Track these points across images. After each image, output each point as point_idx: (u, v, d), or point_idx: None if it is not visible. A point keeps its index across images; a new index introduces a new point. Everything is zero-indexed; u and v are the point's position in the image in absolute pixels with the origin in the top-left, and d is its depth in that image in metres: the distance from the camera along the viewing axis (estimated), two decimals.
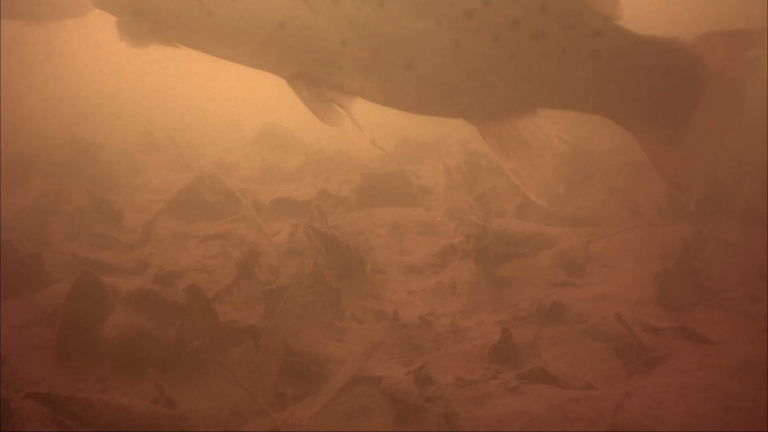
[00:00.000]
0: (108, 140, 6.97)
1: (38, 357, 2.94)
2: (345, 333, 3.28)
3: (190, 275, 3.91)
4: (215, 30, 2.57)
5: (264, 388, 2.76)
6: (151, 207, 5.22)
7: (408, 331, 3.27)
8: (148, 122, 8.55)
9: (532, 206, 5.03)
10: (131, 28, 2.68)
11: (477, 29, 2.33)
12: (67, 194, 5.32)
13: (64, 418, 2.34)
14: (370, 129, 7.32)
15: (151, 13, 2.64)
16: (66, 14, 6.11)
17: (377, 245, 4.35)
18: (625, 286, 3.72)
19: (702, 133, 2.58)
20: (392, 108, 2.58)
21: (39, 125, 7.51)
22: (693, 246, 3.85)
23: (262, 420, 2.59)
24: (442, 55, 2.37)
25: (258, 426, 2.56)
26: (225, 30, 2.55)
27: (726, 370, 2.81)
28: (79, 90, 8.81)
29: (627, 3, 2.45)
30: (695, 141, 2.59)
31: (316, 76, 2.56)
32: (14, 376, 2.75)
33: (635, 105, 2.55)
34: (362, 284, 3.68)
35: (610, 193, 5.16)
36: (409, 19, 2.34)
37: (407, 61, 2.41)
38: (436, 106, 2.57)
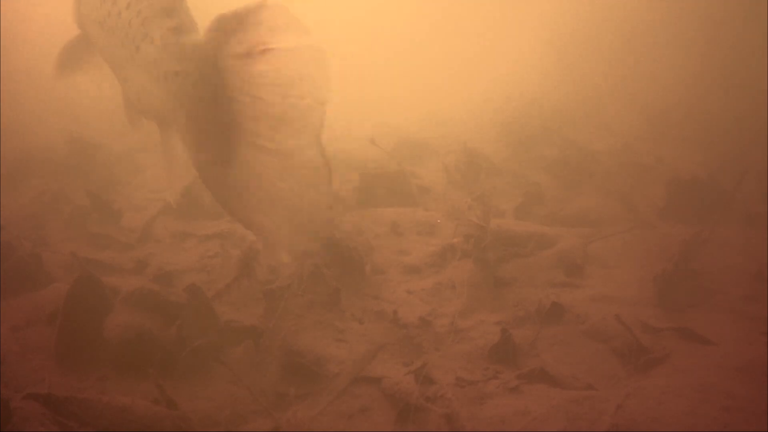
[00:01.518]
0: (107, 140, 6.96)
1: (38, 357, 2.94)
2: (345, 333, 3.28)
3: (189, 275, 3.91)
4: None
5: (264, 387, 2.77)
6: (150, 206, 5.21)
7: (408, 331, 3.28)
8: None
9: (532, 207, 5.04)
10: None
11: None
12: (66, 194, 5.32)
13: (65, 419, 2.33)
14: (370, 129, 7.31)
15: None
16: None
17: (377, 245, 4.35)
18: (625, 286, 3.72)
19: None
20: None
21: (37, 125, 7.50)
22: (692, 247, 3.86)
23: (263, 420, 2.60)
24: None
25: (259, 426, 2.56)
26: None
27: (725, 371, 2.81)
28: (78, 89, 8.79)
29: None
30: None
31: None
32: (14, 376, 2.75)
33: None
34: (362, 284, 3.68)
35: (609, 194, 5.17)
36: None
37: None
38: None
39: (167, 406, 2.48)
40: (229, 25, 2.02)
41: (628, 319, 3.22)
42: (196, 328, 2.97)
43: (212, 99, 2.13)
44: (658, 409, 2.57)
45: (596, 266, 4.06)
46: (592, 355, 3.10)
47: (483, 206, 4.29)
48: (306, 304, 3.36)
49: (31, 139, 6.79)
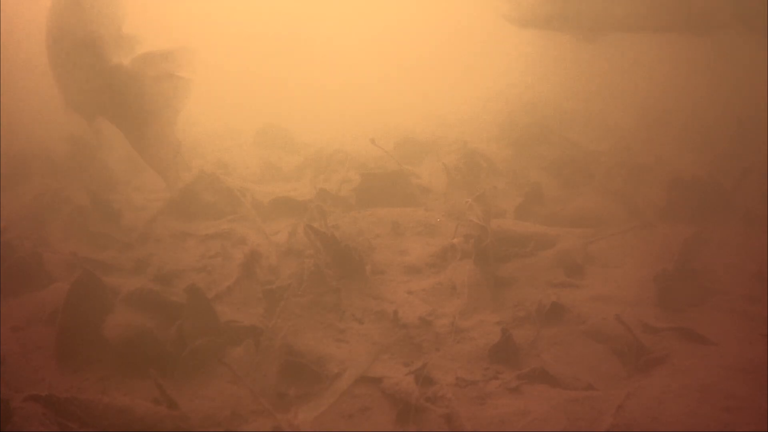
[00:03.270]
0: (107, 140, 6.95)
1: (38, 357, 2.94)
2: (345, 333, 3.28)
3: (189, 275, 3.91)
4: None
5: (264, 387, 2.76)
6: (151, 206, 5.22)
7: (408, 331, 3.27)
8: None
9: (532, 207, 5.04)
10: None
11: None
12: (67, 194, 5.32)
13: (65, 420, 2.33)
14: (371, 129, 7.31)
15: None
16: None
17: (377, 245, 4.35)
18: (625, 286, 3.72)
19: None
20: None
21: (38, 125, 7.50)
22: (692, 247, 3.86)
23: (263, 420, 2.60)
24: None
25: (259, 426, 2.56)
26: None
27: (725, 371, 2.81)
28: None
29: None
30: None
31: None
32: (14, 376, 2.76)
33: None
34: (362, 284, 3.68)
35: (609, 194, 5.16)
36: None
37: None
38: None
39: (168, 406, 2.48)
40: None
41: (629, 319, 3.22)
42: (196, 328, 2.97)
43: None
44: (658, 409, 2.57)
45: (596, 266, 4.06)
46: (592, 355, 3.10)
47: (483, 206, 4.29)
48: (306, 304, 3.36)
49: (31, 139, 6.79)
